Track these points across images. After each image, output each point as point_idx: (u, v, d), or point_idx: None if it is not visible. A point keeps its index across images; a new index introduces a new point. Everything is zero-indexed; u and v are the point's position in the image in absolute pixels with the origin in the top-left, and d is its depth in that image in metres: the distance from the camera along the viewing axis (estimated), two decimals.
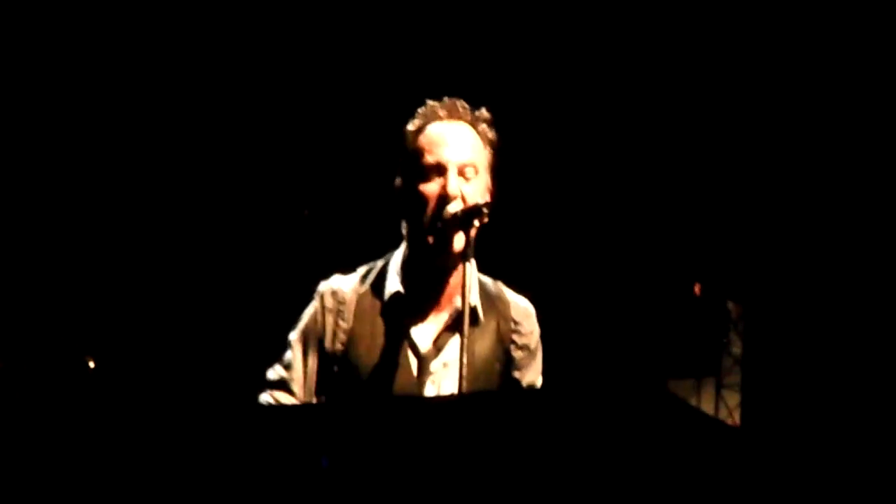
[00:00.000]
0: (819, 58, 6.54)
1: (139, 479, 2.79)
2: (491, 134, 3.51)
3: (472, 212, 3.29)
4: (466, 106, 3.54)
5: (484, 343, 3.43)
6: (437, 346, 3.42)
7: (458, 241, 3.34)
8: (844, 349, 6.85)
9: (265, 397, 3.51)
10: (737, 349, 7.80)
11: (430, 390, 3.39)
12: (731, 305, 7.83)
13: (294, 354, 3.49)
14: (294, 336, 3.52)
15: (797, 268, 7.11)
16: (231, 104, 6.91)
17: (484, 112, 3.53)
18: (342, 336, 3.44)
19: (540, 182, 6.92)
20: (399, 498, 2.62)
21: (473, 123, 3.50)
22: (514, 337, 3.49)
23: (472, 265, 3.28)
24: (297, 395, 3.47)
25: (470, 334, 3.24)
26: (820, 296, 7.01)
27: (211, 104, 6.90)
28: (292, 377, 3.48)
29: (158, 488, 2.78)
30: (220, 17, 6.63)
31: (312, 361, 3.46)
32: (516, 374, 3.50)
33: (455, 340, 3.41)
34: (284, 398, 3.47)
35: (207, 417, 2.81)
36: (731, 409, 7.70)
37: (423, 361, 3.41)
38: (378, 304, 3.44)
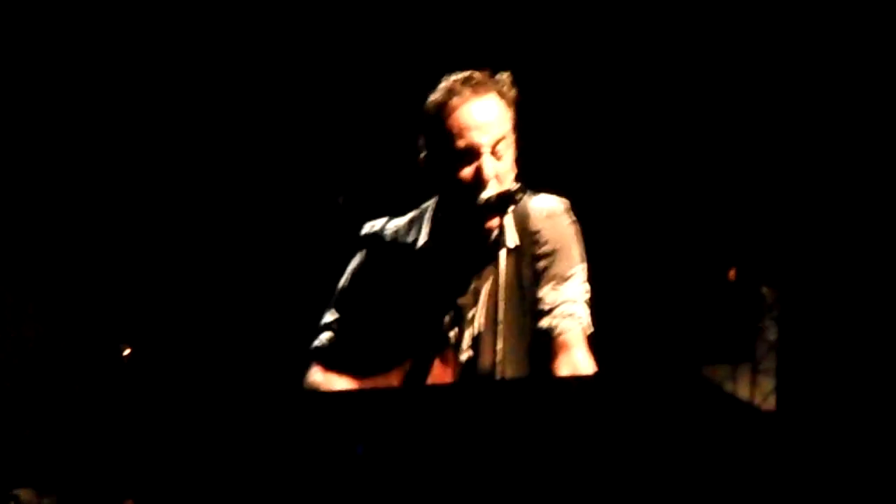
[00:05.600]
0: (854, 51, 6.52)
1: (171, 467, 2.81)
2: (512, 93, 3.48)
3: (506, 197, 3.30)
4: (487, 75, 3.50)
5: (510, 273, 3.38)
6: (474, 288, 3.45)
7: (493, 223, 3.34)
8: (880, 334, 6.82)
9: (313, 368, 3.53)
10: (772, 335, 7.77)
11: (466, 335, 3.41)
12: (765, 290, 7.80)
13: (339, 303, 3.60)
14: (340, 285, 3.64)
15: (832, 252, 7.07)
16: (262, 90, 6.94)
17: (504, 76, 3.49)
18: (379, 282, 3.52)
19: (576, 166, 6.91)
20: (432, 485, 2.64)
21: (498, 91, 3.47)
22: (535, 249, 3.45)
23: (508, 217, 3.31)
24: (339, 347, 3.55)
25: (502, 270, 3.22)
26: (856, 280, 6.98)
27: (243, 90, 6.94)
28: (336, 328, 3.58)
29: (192, 476, 2.80)
30: (258, 8, 6.69)
31: (354, 310, 3.55)
32: (541, 291, 3.43)
33: (486, 274, 3.42)
34: (329, 358, 3.49)
35: (242, 406, 2.83)
36: (765, 395, 7.67)
37: (456, 302, 3.43)
38: (412, 253, 3.51)
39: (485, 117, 3.39)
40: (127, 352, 7.10)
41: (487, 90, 3.45)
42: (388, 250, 3.52)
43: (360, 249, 3.61)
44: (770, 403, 7.62)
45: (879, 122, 6.75)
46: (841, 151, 6.90)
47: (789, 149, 7.04)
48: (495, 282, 3.27)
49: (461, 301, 3.43)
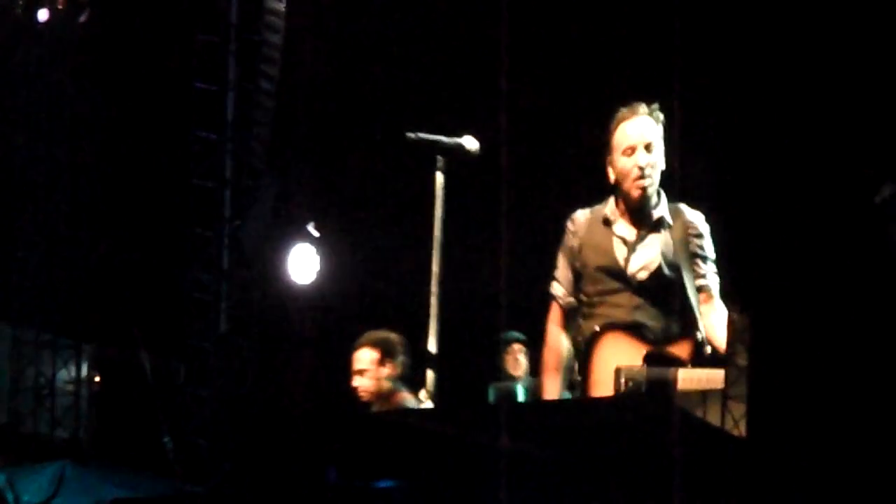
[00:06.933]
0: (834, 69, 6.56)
1: None
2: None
3: None
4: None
5: (674, 237, 5.56)
6: (640, 236, 5.61)
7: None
8: (851, 360, 6.83)
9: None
10: (742, 360, 7.78)
11: (635, 261, 5.63)
12: (735, 316, 7.81)
13: (558, 265, 5.88)
14: (559, 253, 5.80)
15: (803, 277, 7.10)
16: None
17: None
18: (577, 244, 5.66)
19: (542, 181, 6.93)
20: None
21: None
22: (691, 230, 5.62)
23: (662, 196, 5.69)
24: (562, 298, 5.91)
25: (664, 234, 5.57)
26: (826, 306, 7.00)
27: None
28: (560, 283, 5.87)
29: None
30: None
31: (566, 266, 5.81)
32: (697, 264, 5.67)
33: (651, 235, 5.65)
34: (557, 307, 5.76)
35: None
36: (736, 420, 7.67)
37: (630, 246, 5.58)
38: (600, 222, 5.66)
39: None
40: None
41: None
42: (577, 222, 5.88)
43: None
44: (741, 429, 7.62)
45: (846, 152, 6.79)
46: (809, 180, 6.94)
47: (758, 177, 7.08)
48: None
49: (631, 241, 5.65)
